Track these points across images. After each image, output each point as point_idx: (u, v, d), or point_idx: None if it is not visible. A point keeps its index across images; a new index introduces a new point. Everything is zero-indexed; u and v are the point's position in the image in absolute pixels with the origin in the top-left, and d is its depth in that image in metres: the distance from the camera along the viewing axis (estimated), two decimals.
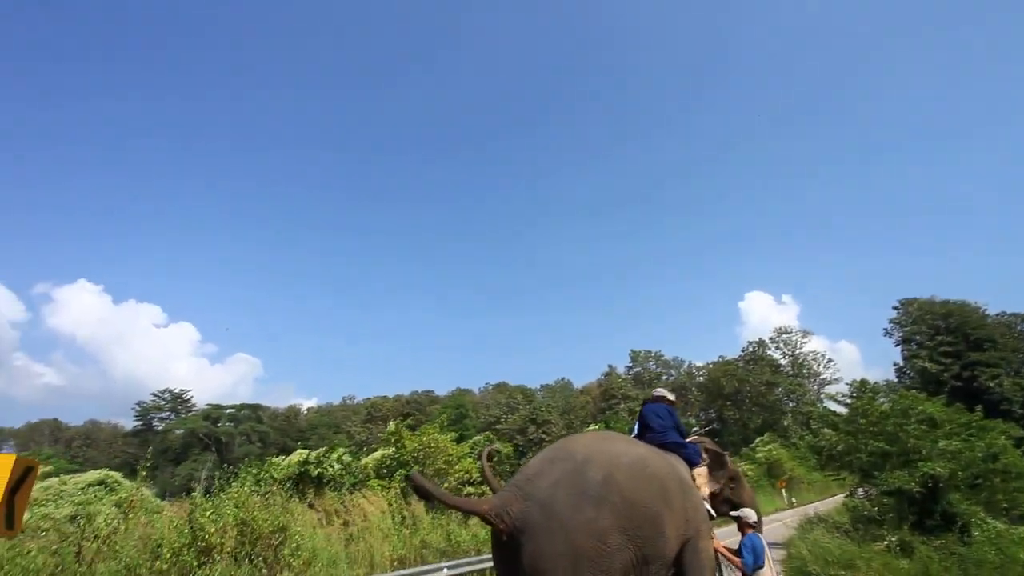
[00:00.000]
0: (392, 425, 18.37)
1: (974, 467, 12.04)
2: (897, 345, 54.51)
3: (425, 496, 3.91)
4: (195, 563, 6.67)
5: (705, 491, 5.71)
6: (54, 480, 10.52)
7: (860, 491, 15.86)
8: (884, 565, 9.01)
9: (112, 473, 10.92)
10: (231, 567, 7.10)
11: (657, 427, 5.42)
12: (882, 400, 15.17)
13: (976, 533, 10.34)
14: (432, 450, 17.00)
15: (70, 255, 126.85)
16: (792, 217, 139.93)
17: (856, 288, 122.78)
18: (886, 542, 10.75)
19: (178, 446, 57.60)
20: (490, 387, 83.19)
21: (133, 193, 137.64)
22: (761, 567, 5.51)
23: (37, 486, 10.75)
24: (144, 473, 8.88)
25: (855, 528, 12.74)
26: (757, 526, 5.82)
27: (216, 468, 29.66)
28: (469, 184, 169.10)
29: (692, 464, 5.37)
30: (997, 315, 53.41)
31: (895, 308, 56.04)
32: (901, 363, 52.94)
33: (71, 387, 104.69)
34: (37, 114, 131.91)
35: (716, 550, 5.77)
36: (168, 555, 6.54)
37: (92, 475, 10.63)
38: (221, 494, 8.67)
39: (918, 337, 51.47)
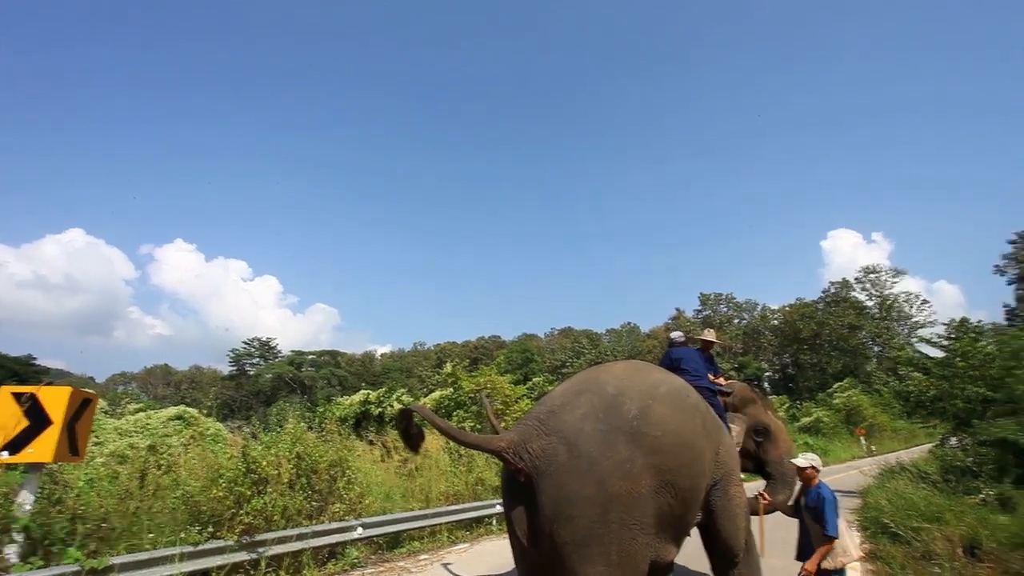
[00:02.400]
0: (448, 366, 18.69)
1: None
2: (1010, 284, 48.67)
3: (417, 436, 3.56)
4: (249, 492, 7.02)
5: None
6: (141, 415, 11.55)
7: (953, 440, 14.41)
8: (979, 520, 8.02)
9: (189, 409, 11.84)
10: (284, 497, 7.47)
11: (691, 369, 4.88)
12: (986, 343, 13.40)
13: None
14: (489, 391, 17.15)
15: (166, 217, 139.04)
16: (885, 146, 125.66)
17: (964, 222, 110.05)
18: (982, 495, 9.64)
19: (268, 389, 63.06)
20: (556, 332, 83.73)
21: (213, 154, 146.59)
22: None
23: (129, 420, 11.86)
24: (207, 408, 9.46)
25: (944, 480, 11.54)
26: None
27: (302, 408, 32.13)
28: (538, 129, 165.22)
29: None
30: None
31: (1011, 242, 49.71)
32: (1014, 304, 47.50)
33: (177, 336, 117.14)
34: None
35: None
36: (224, 484, 6.92)
37: (172, 411, 11.58)
38: (278, 429, 9.08)
39: None
